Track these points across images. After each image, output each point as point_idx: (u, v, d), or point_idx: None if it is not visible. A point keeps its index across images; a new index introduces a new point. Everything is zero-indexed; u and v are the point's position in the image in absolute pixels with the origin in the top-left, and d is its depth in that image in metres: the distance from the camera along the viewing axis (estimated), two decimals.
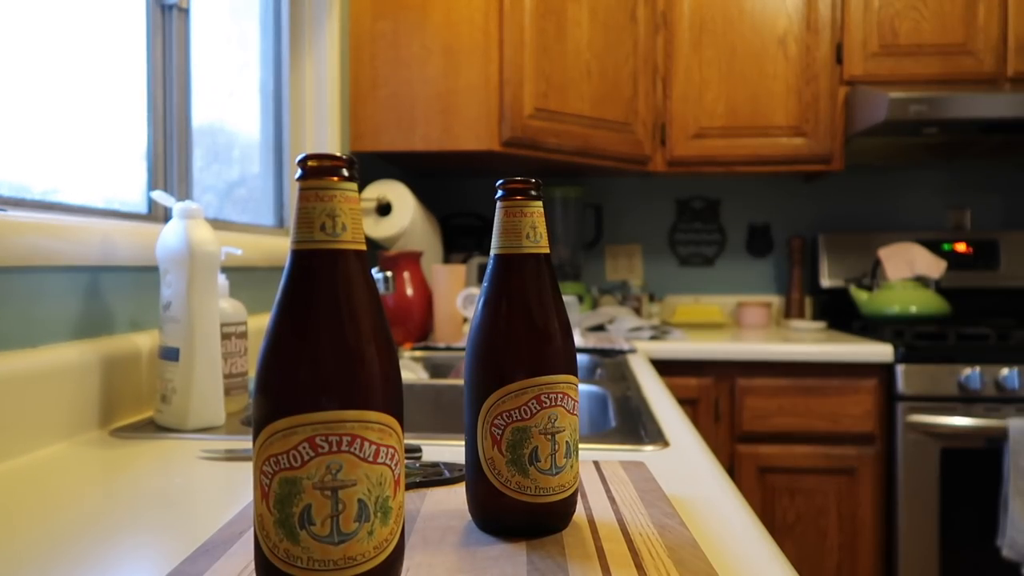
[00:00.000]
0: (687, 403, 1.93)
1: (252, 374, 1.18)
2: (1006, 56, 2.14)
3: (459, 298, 1.74)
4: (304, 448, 0.40)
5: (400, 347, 1.72)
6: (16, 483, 0.70)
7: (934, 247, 2.40)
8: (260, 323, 1.35)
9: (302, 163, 0.42)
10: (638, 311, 2.41)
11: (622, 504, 0.59)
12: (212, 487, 0.69)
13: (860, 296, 2.27)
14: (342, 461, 0.40)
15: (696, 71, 2.24)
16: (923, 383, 1.84)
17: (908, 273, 2.21)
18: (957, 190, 2.55)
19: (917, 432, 1.83)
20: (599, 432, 1.06)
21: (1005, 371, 1.81)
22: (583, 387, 1.22)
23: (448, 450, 0.81)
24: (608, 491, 0.62)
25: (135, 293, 1.04)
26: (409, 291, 1.82)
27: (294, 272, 0.42)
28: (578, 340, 1.75)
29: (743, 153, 2.23)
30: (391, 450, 0.42)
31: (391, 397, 0.42)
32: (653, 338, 2.04)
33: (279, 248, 1.50)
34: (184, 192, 1.26)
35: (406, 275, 1.83)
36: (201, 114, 1.38)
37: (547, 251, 0.55)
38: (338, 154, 0.42)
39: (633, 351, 1.73)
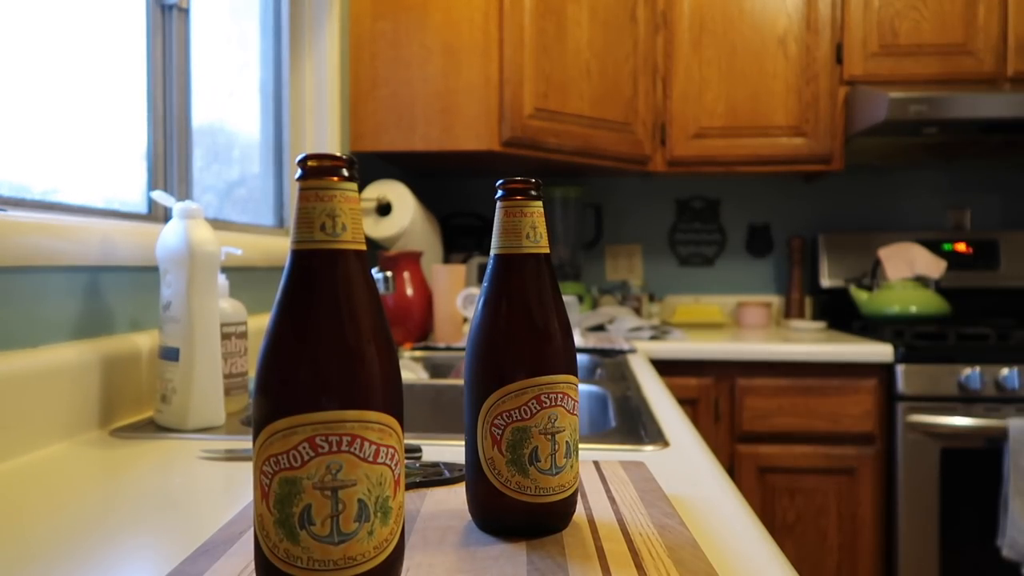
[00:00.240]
0: (687, 403, 1.93)
1: (252, 374, 1.18)
2: (1006, 56, 2.14)
3: (459, 298, 1.74)
4: (304, 448, 0.40)
5: (400, 347, 1.72)
6: (16, 483, 0.70)
7: (934, 247, 2.40)
8: (260, 323, 1.35)
9: (302, 163, 0.42)
10: (638, 311, 2.41)
11: (622, 504, 0.59)
12: (212, 487, 0.69)
13: (860, 296, 2.27)
14: (342, 461, 0.40)
15: (696, 71, 2.24)
16: (923, 383, 1.84)
17: (908, 273, 2.21)
18: (957, 190, 2.55)
19: (917, 432, 1.83)
20: (599, 432, 1.06)
21: (1005, 371, 1.81)
22: (583, 387, 1.22)
23: (448, 450, 0.81)
24: (608, 491, 0.62)
25: (135, 293, 1.04)
26: (409, 291, 1.82)
27: (294, 272, 0.42)
28: (578, 340, 1.75)
29: (743, 153, 2.23)
30: (391, 450, 0.42)
31: (391, 397, 0.42)
32: (653, 338, 2.04)
33: (279, 248, 1.50)
34: (184, 192, 1.26)
35: (406, 275, 1.83)
36: (201, 114, 1.38)
37: (547, 251, 0.55)
38: (338, 154, 0.42)
39: (633, 351, 1.73)
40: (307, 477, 0.40)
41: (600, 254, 2.66)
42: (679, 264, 2.64)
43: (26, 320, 0.84)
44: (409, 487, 0.64)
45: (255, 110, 1.69)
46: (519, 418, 0.52)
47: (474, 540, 0.52)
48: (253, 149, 1.69)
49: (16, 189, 0.94)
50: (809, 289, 2.57)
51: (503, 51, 1.90)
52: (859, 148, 2.29)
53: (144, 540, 0.56)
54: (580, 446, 0.80)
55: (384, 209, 1.94)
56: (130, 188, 1.19)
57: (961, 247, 2.42)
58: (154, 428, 0.92)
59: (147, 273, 1.06)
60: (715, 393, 1.94)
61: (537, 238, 0.54)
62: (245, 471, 0.74)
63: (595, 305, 2.48)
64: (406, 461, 0.73)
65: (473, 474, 0.54)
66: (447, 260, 2.30)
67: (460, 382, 1.32)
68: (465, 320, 1.80)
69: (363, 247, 0.43)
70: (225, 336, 1.01)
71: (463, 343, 1.76)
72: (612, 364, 1.53)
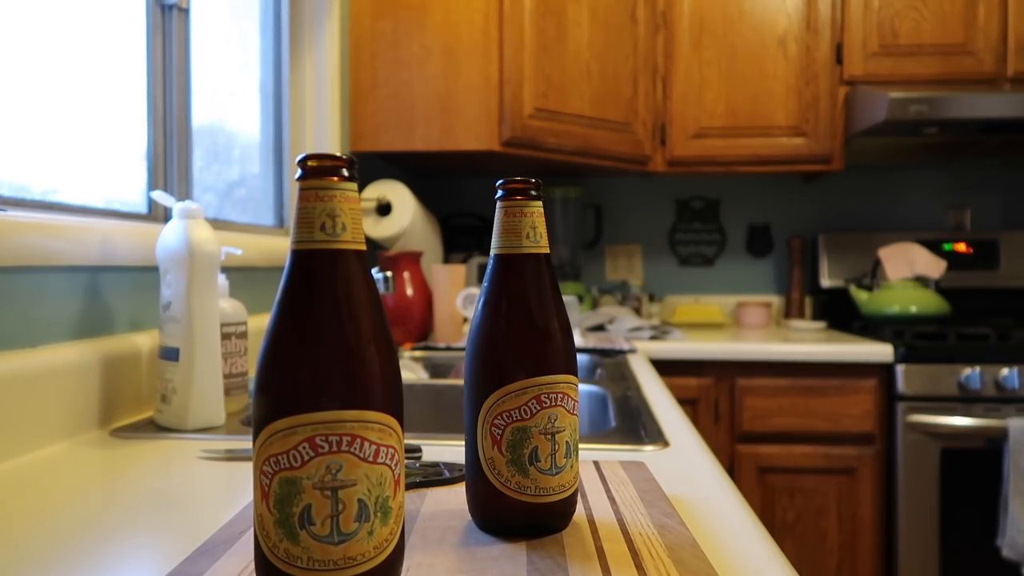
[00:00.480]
0: (687, 403, 1.93)
1: (252, 374, 1.18)
2: (1006, 56, 2.14)
3: (459, 298, 1.74)
4: (304, 448, 0.40)
5: (400, 347, 1.72)
6: (16, 483, 0.70)
7: (934, 247, 2.40)
8: (260, 323, 1.35)
9: (302, 163, 0.42)
10: (638, 311, 2.41)
11: (622, 504, 0.59)
12: (212, 487, 0.69)
13: (860, 296, 2.27)
14: (342, 461, 0.40)
15: (696, 71, 2.24)
16: (923, 383, 1.84)
17: (908, 273, 2.21)
18: (957, 190, 2.55)
19: (917, 432, 1.83)
20: (599, 432, 1.06)
21: (1005, 371, 1.81)
22: (583, 387, 1.22)
23: (448, 450, 0.81)
24: (608, 491, 0.62)
25: (135, 293, 1.04)
26: (409, 291, 1.82)
27: (294, 272, 0.42)
28: (578, 340, 1.75)
29: (743, 153, 2.23)
30: (391, 450, 0.42)
31: (391, 397, 0.42)
32: (653, 338, 2.04)
33: (279, 248, 1.50)
34: (184, 192, 1.26)
35: (406, 275, 1.83)
36: (201, 114, 1.38)
37: (547, 251, 0.55)
38: (338, 154, 0.42)
39: (633, 351, 1.73)
40: (307, 477, 0.40)
41: (600, 254, 2.66)
42: (679, 264, 2.64)
43: (26, 320, 0.84)
44: (409, 487, 0.64)
45: (255, 110, 1.69)
46: (519, 418, 0.52)
47: (474, 540, 0.52)
48: (253, 149, 1.69)
49: (16, 189, 0.94)
50: (809, 289, 2.57)
51: (503, 51, 1.90)
52: (859, 148, 2.29)
53: (144, 540, 0.56)
54: (580, 446, 0.81)
55: (384, 209, 1.94)
56: (130, 188, 1.19)
57: (961, 247, 2.42)
58: (154, 428, 0.92)
59: (147, 273, 1.06)
60: (715, 393, 1.94)
61: (537, 238, 0.54)
62: (245, 471, 0.74)
63: (595, 305, 2.48)
64: (406, 461, 0.73)
65: (473, 474, 0.54)
66: (447, 260, 2.30)
67: (460, 382, 1.32)
68: (465, 320, 1.80)
69: (363, 247, 0.43)
70: (225, 336, 1.01)
71: (463, 343, 1.76)
72: (612, 364, 1.53)
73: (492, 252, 0.55)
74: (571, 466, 0.54)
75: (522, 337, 0.53)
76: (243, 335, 1.05)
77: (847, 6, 2.19)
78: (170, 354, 0.92)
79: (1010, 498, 1.72)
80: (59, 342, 0.89)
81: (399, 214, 1.93)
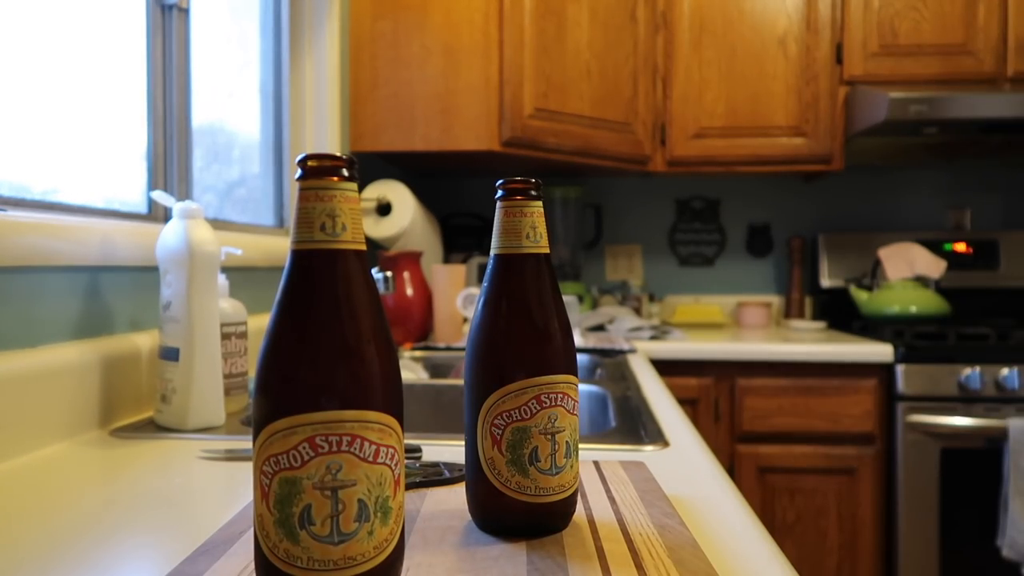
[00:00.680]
0: (687, 403, 1.93)
1: (252, 374, 1.18)
2: (1006, 56, 2.14)
3: (459, 298, 1.74)
4: (304, 448, 0.40)
5: (400, 347, 1.72)
6: (16, 483, 0.70)
7: (934, 247, 2.40)
8: (260, 323, 1.35)
9: (302, 163, 0.42)
10: (638, 311, 2.41)
11: (622, 504, 0.59)
12: (212, 487, 0.69)
13: (860, 296, 2.27)
14: (342, 461, 0.40)
15: (696, 71, 2.24)
16: (923, 383, 1.84)
17: (908, 273, 2.21)
18: (957, 190, 2.55)
19: (917, 432, 1.83)
20: (599, 432, 1.06)
21: (1005, 371, 1.81)
22: (583, 387, 1.22)
23: (448, 450, 0.81)
24: (608, 491, 0.62)
25: (135, 293, 1.04)
26: (409, 291, 1.82)
27: (294, 272, 0.42)
28: (578, 340, 1.75)
29: (743, 153, 2.23)
30: (391, 450, 0.42)
31: (391, 397, 0.42)
32: (653, 338, 2.04)
33: (279, 248, 1.50)
34: (184, 192, 1.26)
35: (406, 275, 1.83)
36: (201, 114, 1.38)
37: (547, 251, 0.55)
38: (338, 154, 0.42)
39: (633, 351, 1.73)
40: (307, 477, 0.40)
41: (600, 254, 2.66)
42: (679, 264, 2.64)
43: (26, 320, 0.84)
44: (409, 487, 0.64)
45: (255, 110, 1.69)
46: (519, 418, 0.52)
47: (474, 540, 0.52)
48: (253, 149, 1.69)
49: (16, 189, 0.94)
50: (809, 289, 2.57)
51: (503, 51, 1.90)
52: (859, 148, 2.29)
53: (144, 540, 0.56)
54: (580, 446, 0.80)
55: (384, 209, 1.94)
56: (130, 188, 1.19)
57: (961, 247, 2.42)
58: (154, 428, 0.92)
59: (147, 273, 1.06)
60: (715, 393, 1.94)
61: (537, 238, 0.54)
62: (245, 471, 0.74)
63: (595, 305, 2.48)
64: (406, 461, 0.73)
65: (473, 474, 0.54)
66: (447, 260, 2.30)
67: (460, 382, 1.32)
68: (465, 320, 1.80)
69: (363, 247, 0.43)
70: (225, 336, 1.01)
71: (463, 343, 1.76)
72: (612, 364, 1.53)
73: (492, 252, 0.55)
74: (571, 466, 0.54)
75: (522, 337, 0.53)
76: (243, 335, 1.05)
77: (847, 6, 2.19)
78: (170, 354, 0.92)
79: (1010, 498, 1.72)
80: (59, 342, 0.89)
81: (399, 214, 1.93)
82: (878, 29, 2.18)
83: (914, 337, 1.96)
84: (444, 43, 1.91)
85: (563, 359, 0.54)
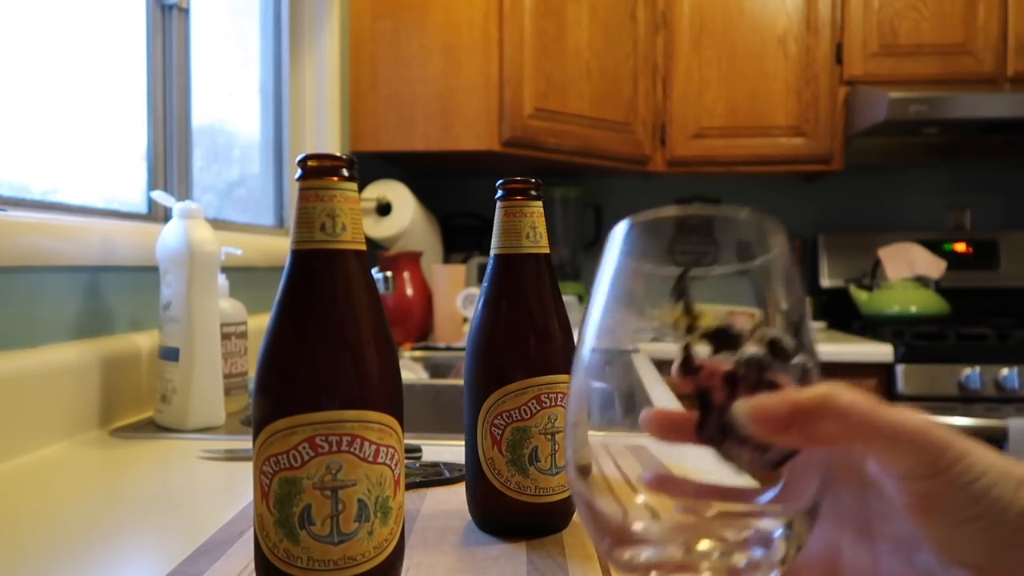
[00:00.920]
0: None
1: (252, 374, 1.18)
2: (1006, 56, 2.14)
3: (459, 298, 1.74)
4: (304, 448, 0.40)
5: (400, 347, 1.72)
6: (16, 483, 0.70)
7: (934, 247, 2.40)
8: (260, 323, 1.35)
9: (302, 163, 0.42)
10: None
11: None
12: (212, 487, 0.69)
13: (860, 296, 2.27)
14: (342, 461, 0.40)
15: (696, 71, 2.24)
16: (923, 383, 1.84)
17: (908, 273, 2.21)
18: (957, 190, 2.55)
19: None
20: None
21: (1005, 371, 1.81)
22: None
23: (448, 450, 0.81)
24: None
25: (135, 293, 1.04)
26: (409, 291, 1.82)
27: (294, 272, 0.42)
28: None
29: (743, 153, 2.23)
30: (391, 450, 0.42)
31: (391, 397, 0.42)
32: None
33: (279, 248, 1.50)
34: (184, 192, 1.26)
35: (406, 275, 1.83)
36: (201, 114, 1.38)
37: (547, 251, 0.55)
38: (338, 154, 0.42)
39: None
40: (307, 477, 0.40)
41: (600, 254, 2.65)
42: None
43: (26, 320, 0.84)
44: (409, 487, 0.64)
45: (255, 110, 1.69)
46: (519, 418, 0.52)
47: (474, 540, 0.52)
48: (253, 149, 1.69)
49: (16, 189, 0.94)
50: (809, 289, 2.57)
51: (503, 51, 1.89)
52: (859, 148, 2.29)
53: (144, 540, 0.56)
54: None
55: (384, 209, 1.94)
56: (130, 188, 1.19)
57: (961, 247, 2.42)
58: (154, 428, 0.92)
59: (147, 273, 1.06)
60: None
61: (537, 238, 0.54)
62: (245, 471, 0.74)
63: None
64: (406, 461, 0.73)
65: (473, 474, 0.54)
66: (447, 260, 2.30)
67: (460, 382, 1.32)
68: (465, 320, 1.80)
69: (363, 247, 0.43)
70: (225, 336, 1.01)
71: (463, 343, 1.76)
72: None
73: (492, 252, 0.55)
74: None
75: (522, 337, 0.53)
76: (243, 335, 1.05)
77: (847, 6, 2.19)
78: (170, 354, 0.92)
79: None
80: (59, 342, 0.89)
81: (399, 214, 1.93)
82: (878, 29, 2.18)
83: (914, 337, 1.96)
84: (444, 43, 1.91)
85: (563, 359, 0.54)
